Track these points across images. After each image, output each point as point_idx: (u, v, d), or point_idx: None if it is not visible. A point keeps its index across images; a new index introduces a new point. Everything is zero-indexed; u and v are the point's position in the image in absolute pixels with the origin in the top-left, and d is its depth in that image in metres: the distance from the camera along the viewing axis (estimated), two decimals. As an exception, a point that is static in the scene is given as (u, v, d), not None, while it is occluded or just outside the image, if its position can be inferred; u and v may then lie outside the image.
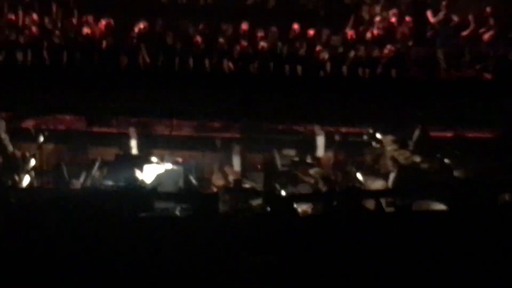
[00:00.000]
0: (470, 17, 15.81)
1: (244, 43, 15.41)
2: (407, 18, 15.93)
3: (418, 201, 10.22)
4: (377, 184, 13.85)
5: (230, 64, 15.33)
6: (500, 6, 15.99)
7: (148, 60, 15.37)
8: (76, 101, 15.29)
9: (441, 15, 15.84)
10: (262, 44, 15.42)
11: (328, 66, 15.34)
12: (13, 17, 15.84)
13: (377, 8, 16.19)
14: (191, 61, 15.32)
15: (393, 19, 15.94)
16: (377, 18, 15.99)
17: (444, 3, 15.86)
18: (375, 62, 15.38)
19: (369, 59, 15.40)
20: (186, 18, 15.94)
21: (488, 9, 15.82)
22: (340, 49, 15.48)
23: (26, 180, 14.43)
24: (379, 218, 9.47)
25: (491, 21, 15.72)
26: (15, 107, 15.17)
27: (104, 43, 15.41)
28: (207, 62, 15.35)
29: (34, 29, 15.41)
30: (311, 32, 15.64)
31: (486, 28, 15.71)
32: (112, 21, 15.56)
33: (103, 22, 15.51)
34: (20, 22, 15.78)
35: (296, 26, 15.70)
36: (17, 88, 15.21)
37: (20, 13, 15.86)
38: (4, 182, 14.62)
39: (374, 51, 15.43)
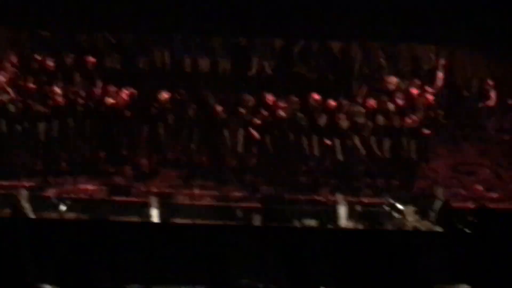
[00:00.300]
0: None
1: (265, 112, 15.47)
2: (428, 89, 15.95)
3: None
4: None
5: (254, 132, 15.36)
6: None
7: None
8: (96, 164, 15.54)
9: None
10: (282, 113, 15.47)
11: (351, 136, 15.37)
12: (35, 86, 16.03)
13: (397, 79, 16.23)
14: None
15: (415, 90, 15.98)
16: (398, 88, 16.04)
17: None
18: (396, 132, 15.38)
19: (390, 129, 15.41)
20: (207, 88, 16.02)
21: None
22: (361, 119, 15.48)
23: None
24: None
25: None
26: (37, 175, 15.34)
27: (127, 113, 15.52)
28: (226, 132, 15.43)
29: (59, 99, 15.55)
30: (331, 102, 15.67)
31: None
32: (135, 91, 15.66)
33: (126, 92, 15.60)
34: (44, 92, 15.93)
35: (316, 96, 15.75)
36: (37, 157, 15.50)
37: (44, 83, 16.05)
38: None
39: (395, 121, 15.43)
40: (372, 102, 15.71)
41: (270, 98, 15.77)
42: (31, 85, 15.89)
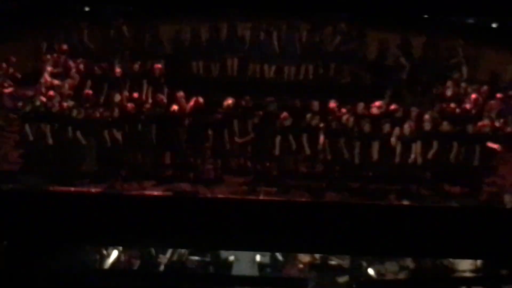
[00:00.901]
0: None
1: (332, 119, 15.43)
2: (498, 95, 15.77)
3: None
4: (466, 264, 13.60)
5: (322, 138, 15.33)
6: None
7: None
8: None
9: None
10: (346, 119, 15.42)
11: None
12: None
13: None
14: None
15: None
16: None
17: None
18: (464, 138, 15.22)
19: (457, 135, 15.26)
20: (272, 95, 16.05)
21: None
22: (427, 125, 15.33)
23: (114, 255, 14.64)
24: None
25: None
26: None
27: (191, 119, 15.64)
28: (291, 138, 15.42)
29: (129, 105, 15.72)
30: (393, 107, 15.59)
31: None
32: (201, 99, 15.74)
33: (193, 100, 15.70)
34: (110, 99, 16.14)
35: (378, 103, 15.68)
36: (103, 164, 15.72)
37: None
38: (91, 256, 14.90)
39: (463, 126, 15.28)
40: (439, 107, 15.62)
41: (333, 104, 15.75)
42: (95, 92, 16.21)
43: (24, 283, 13.13)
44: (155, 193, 15.02)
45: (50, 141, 15.37)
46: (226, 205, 13.53)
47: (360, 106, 15.66)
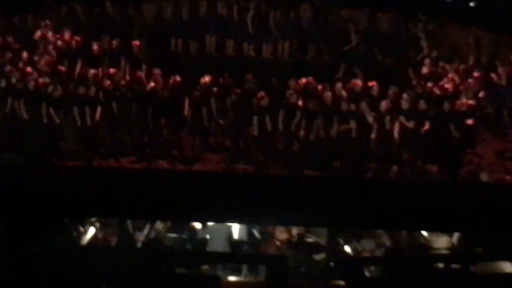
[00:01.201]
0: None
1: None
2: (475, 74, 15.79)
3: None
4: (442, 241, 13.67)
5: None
6: None
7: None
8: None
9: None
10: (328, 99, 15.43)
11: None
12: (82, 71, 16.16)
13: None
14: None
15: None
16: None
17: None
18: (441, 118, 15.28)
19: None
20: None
21: None
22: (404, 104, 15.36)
23: (91, 232, 14.59)
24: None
25: None
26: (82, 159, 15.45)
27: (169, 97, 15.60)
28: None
29: (106, 82, 15.63)
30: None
31: None
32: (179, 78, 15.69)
33: (171, 79, 15.66)
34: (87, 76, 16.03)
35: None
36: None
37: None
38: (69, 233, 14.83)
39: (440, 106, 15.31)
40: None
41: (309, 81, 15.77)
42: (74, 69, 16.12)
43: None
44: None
45: (26, 117, 15.30)
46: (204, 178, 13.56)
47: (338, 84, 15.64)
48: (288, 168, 15.24)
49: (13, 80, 15.53)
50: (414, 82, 15.94)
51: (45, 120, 15.43)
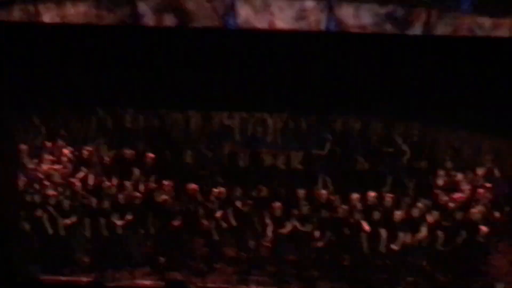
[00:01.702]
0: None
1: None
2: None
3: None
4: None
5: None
6: None
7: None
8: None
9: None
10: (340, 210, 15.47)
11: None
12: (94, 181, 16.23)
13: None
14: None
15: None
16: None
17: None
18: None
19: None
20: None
21: None
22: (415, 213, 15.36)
23: None
24: None
25: None
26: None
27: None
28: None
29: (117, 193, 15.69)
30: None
31: None
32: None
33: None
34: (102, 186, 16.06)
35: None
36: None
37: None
38: None
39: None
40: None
41: (324, 192, 15.81)
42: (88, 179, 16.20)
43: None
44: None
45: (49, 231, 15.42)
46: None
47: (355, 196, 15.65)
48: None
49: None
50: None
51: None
